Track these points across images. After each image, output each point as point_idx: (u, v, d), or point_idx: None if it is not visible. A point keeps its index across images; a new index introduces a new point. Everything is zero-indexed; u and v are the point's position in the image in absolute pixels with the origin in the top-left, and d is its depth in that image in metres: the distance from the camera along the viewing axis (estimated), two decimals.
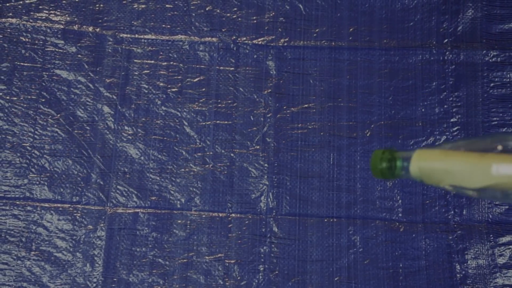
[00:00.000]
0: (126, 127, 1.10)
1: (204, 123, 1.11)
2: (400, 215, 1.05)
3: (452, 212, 1.05)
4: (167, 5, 1.15)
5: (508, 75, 1.09)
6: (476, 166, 0.48)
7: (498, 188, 0.48)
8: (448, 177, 0.50)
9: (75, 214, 1.07)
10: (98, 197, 1.07)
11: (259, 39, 1.13)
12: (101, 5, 1.15)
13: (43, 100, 1.11)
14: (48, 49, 1.13)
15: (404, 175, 0.53)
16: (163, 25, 1.14)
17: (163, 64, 1.12)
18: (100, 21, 1.14)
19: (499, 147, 0.48)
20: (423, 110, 1.09)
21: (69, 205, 1.07)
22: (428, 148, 0.54)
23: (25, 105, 1.11)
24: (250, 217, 1.06)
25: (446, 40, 1.11)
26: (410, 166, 0.52)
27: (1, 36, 1.13)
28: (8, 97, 1.11)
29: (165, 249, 1.05)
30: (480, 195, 0.49)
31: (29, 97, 1.11)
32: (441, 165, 0.51)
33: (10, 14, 1.14)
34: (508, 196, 0.48)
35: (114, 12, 1.15)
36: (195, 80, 1.12)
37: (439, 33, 1.12)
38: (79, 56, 1.13)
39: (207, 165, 1.09)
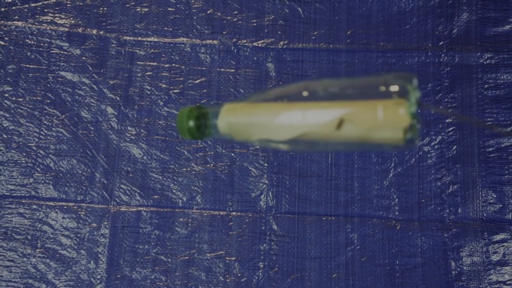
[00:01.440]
0: (129, 128, 1.11)
1: None
2: (396, 213, 1.06)
3: (448, 210, 1.05)
4: (169, 9, 1.15)
5: (502, 77, 1.09)
6: (283, 117, 0.45)
7: (306, 138, 0.44)
8: (257, 131, 0.46)
9: (80, 213, 1.08)
10: (102, 195, 1.08)
11: (259, 42, 1.14)
12: (105, 9, 1.15)
13: (48, 101, 1.12)
14: (53, 51, 1.14)
15: (214, 133, 0.49)
16: (165, 28, 1.15)
17: (165, 66, 1.13)
18: (103, 24, 1.15)
19: (305, 93, 0.45)
20: (419, 110, 1.10)
21: (74, 204, 1.08)
22: (237, 102, 0.49)
23: (30, 106, 1.12)
24: (250, 215, 1.07)
25: (441, 43, 1.11)
26: (218, 122, 0.48)
27: (7, 38, 1.14)
28: (14, 98, 1.12)
29: (167, 246, 1.06)
30: (290, 147, 0.46)
31: (34, 98, 1.12)
32: (249, 119, 0.47)
33: (16, 17, 1.15)
34: (316, 145, 0.45)
35: (117, 16, 1.15)
36: (196, 82, 1.13)
37: (434, 36, 1.11)
38: (84, 58, 1.14)
39: (208, 165, 1.10)
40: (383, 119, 0.41)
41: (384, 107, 0.41)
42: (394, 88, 0.42)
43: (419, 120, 0.41)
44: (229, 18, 1.15)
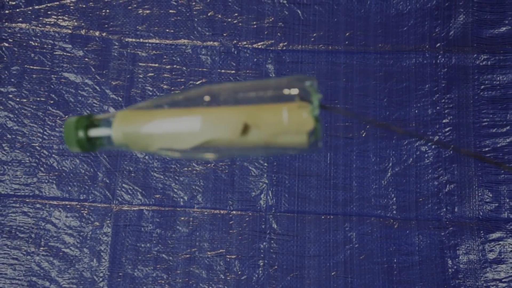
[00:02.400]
0: None
1: None
2: (394, 212, 1.07)
3: (444, 209, 1.07)
4: (170, 11, 1.16)
5: (498, 78, 1.10)
6: (185, 124, 0.41)
7: (211, 145, 0.42)
8: (157, 140, 0.43)
9: (82, 211, 1.09)
10: (105, 195, 1.10)
11: (259, 43, 1.15)
12: (107, 11, 1.17)
13: (52, 101, 1.13)
14: (56, 53, 1.15)
15: (107, 144, 0.44)
16: (167, 30, 1.16)
17: (167, 67, 1.14)
18: (106, 26, 1.16)
19: (207, 98, 0.42)
20: (416, 111, 1.10)
21: (77, 203, 1.09)
22: (131, 109, 0.44)
23: (34, 107, 1.13)
24: (250, 214, 1.08)
25: (438, 44, 1.12)
26: (112, 132, 0.43)
27: (11, 40, 1.15)
28: (18, 99, 1.13)
29: (168, 245, 1.07)
30: (194, 155, 0.43)
31: (38, 99, 1.13)
32: (147, 128, 0.43)
33: (20, 19, 1.16)
34: (221, 151, 0.43)
35: (119, 18, 1.16)
36: (197, 83, 1.14)
37: (432, 38, 1.12)
38: (86, 59, 1.15)
39: (209, 165, 1.10)
40: (288, 123, 0.40)
41: (288, 111, 0.40)
42: (296, 91, 0.41)
43: (321, 123, 0.41)
44: (229, 20, 1.16)
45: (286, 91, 0.41)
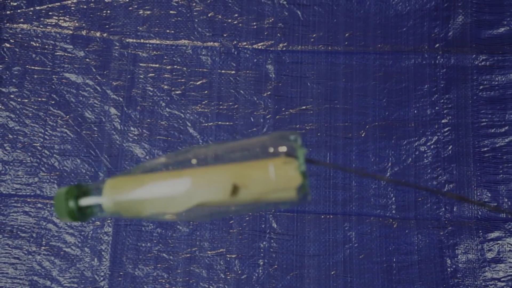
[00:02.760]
0: (132, 128, 1.13)
1: (206, 124, 1.13)
2: (393, 211, 1.08)
3: (443, 209, 1.07)
4: (171, 12, 1.17)
5: (497, 78, 1.11)
6: (175, 188, 0.42)
7: (204, 207, 0.42)
8: (148, 205, 0.42)
9: None
10: None
11: (259, 44, 1.15)
12: (108, 12, 1.17)
13: (53, 102, 1.14)
14: (57, 53, 1.16)
15: (99, 213, 0.43)
16: (167, 31, 1.16)
17: (167, 67, 1.15)
18: (107, 26, 1.16)
19: (194, 161, 0.43)
20: (415, 111, 1.11)
21: None
22: (120, 176, 0.44)
23: (35, 107, 1.14)
24: (250, 213, 1.08)
25: (437, 45, 1.13)
26: (102, 201, 0.43)
27: (12, 41, 1.16)
28: (19, 99, 1.14)
29: (169, 244, 1.08)
30: (188, 217, 0.43)
31: (39, 99, 1.14)
32: (137, 194, 0.42)
33: (22, 20, 1.17)
34: (218, 212, 0.43)
35: (120, 18, 1.17)
36: (198, 83, 1.15)
37: (430, 38, 1.13)
38: (87, 60, 1.15)
39: None
40: (275, 180, 0.40)
41: (275, 168, 0.40)
42: (282, 149, 0.41)
43: (308, 178, 0.41)
44: (229, 20, 1.17)
45: (271, 150, 0.41)
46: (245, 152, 0.43)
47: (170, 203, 0.42)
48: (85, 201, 0.44)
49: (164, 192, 0.42)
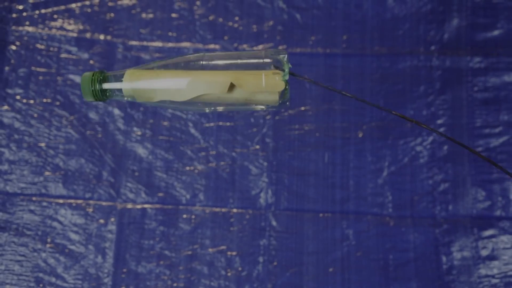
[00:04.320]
0: (135, 128, 1.15)
1: (207, 124, 1.15)
2: (390, 210, 1.09)
3: (439, 207, 1.09)
4: (173, 15, 1.19)
5: (491, 80, 1.13)
6: (184, 82, 0.52)
7: (203, 99, 0.53)
8: (159, 94, 0.53)
9: (88, 209, 1.11)
10: (109, 193, 1.12)
11: (259, 46, 1.17)
12: (112, 15, 1.19)
13: (58, 103, 1.16)
14: (62, 55, 1.18)
15: (117, 95, 0.54)
16: (169, 33, 1.18)
17: None
18: (110, 29, 1.18)
19: (201, 62, 0.54)
20: (411, 112, 1.13)
21: (82, 201, 1.12)
22: (138, 68, 0.55)
23: (41, 108, 1.16)
24: (250, 212, 1.10)
25: (433, 47, 1.15)
26: (122, 85, 0.53)
27: (18, 43, 1.18)
28: (25, 100, 1.16)
29: (171, 242, 1.10)
30: (187, 107, 0.54)
31: (44, 100, 1.16)
32: (152, 84, 0.53)
33: (27, 23, 1.19)
34: (208, 105, 0.55)
35: (123, 21, 1.19)
36: None
37: (426, 41, 1.15)
38: (91, 62, 1.17)
39: (211, 164, 1.13)
40: (264, 84, 0.53)
41: (265, 76, 0.53)
42: (271, 61, 0.54)
43: (289, 87, 0.53)
44: (230, 23, 1.18)
45: (263, 60, 0.54)
46: (244, 60, 0.55)
47: (177, 93, 0.53)
48: (107, 85, 0.54)
49: (174, 84, 0.53)
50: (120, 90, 0.54)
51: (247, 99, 0.54)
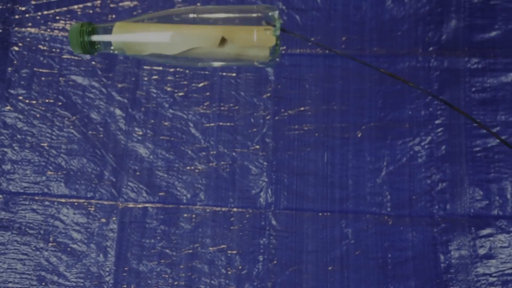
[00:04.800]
0: (136, 128, 1.16)
1: (208, 125, 1.16)
2: (389, 209, 1.10)
3: (437, 206, 1.10)
4: None
5: (488, 81, 1.13)
6: (174, 34, 0.51)
7: (193, 53, 0.52)
8: (149, 47, 0.52)
9: (89, 209, 1.12)
10: (111, 192, 1.13)
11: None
12: (113, 16, 1.20)
13: (60, 103, 1.17)
14: (64, 56, 1.19)
15: (104, 48, 0.52)
16: None
17: (171, 70, 1.17)
18: None
19: (192, 15, 0.53)
20: (410, 112, 1.13)
21: (84, 200, 1.13)
22: (128, 21, 0.54)
23: (43, 108, 1.17)
24: (250, 211, 1.11)
25: (431, 48, 1.15)
26: (112, 38, 0.52)
27: (21, 44, 1.19)
28: (27, 101, 1.17)
29: (172, 240, 1.11)
30: (178, 62, 0.52)
31: (46, 100, 1.17)
32: (142, 37, 0.52)
33: (30, 24, 1.20)
34: (199, 60, 0.53)
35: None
36: (200, 85, 1.17)
37: (424, 42, 1.15)
38: (93, 63, 1.18)
39: (211, 164, 1.14)
40: (256, 39, 0.52)
41: (257, 30, 0.53)
42: (262, 16, 0.53)
43: (280, 43, 0.52)
44: None
45: (255, 15, 0.54)
46: (236, 14, 0.54)
47: (168, 46, 0.52)
48: (96, 37, 0.52)
49: (164, 37, 0.52)
50: (109, 43, 0.52)
51: (238, 55, 0.54)
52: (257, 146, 1.14)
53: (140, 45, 0.52)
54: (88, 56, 1.19)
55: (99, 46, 0.53)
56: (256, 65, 0.55)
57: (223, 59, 0.55)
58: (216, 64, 0.56)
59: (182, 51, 0.52)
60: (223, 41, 0.52)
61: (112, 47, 0.53)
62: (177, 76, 1.18)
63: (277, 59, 0.55)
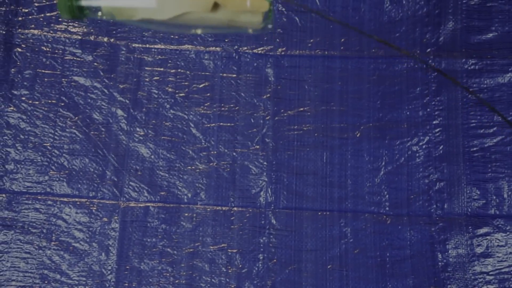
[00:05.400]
0: (137, 129, 1.16)
1: (208, 125, 1.16)
2: (387, 208, 1.11)
3: (435, 206, 1.11)
4: None
5: (485, 81, 1.14)
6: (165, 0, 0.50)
7: (184, 19, 0.51)
8: (140, 11, 0.50)
9: (91, 208, 1.13)
10: (112, 192, 1.14)
11: (259, 49, 1.19)
12: None
13: (62, 104, 1.17)
14: (67, 57, 1.19)
15: (92, 14, 0.51)
16: (172, 36, 1.19)
17: (172, 71, 1.18)
18: (114, 32, 1.20)
19: None
20: (408, 113, 1.14)
21: (86, 200, 1.13)
22: None
23: (46, 109, 1.17)
24: (250, 210, 1.12)
25: (429, 50, 1.16)
26: (101, 2, 0.50)
27: (24, 46, 1.19)
28: (30, 101, 1.18)
29: (173, 239, 1.11)
30: (168, 28, 0.51)
31: (49, 101, 1.17)
32: (132, 1, 0.51)
33: (33, 26, 1.20)
34: (190, 27, 0.52)
35: (126, 24, 1.19)
36: (200, 86, 1.18)
37: (422, 43, 1.16)
38: (95, 64, 1.19)
39: (212, 163, 1.15)
40: (249, 4, 0.51)
41: None
42: None
43: (273, 8, 0.51)
44: None
45: None
46: None
47: (158, 11, 0.50)
48: (85, 1, 0.51)
49: (155, 1, 0.51)
50: (98, 8, 0.51)
51: (231, 20, 0.52)
52: (257, 146, 1.15)
53: (131, 10, 0.51)
54: (90, 57, 1.20)
55: (87, 11, 0.51)
56: (248, 32, 0.54)
57: (215, 26, 0.54)
58: (208, 31, 0.56)
59: (173, 16, 0.50)
60: (215, 6, 0.51)
61: (101, 13, 0.51)
62: (178, 77, 1.19)
63: (270, 26, 0.53)
